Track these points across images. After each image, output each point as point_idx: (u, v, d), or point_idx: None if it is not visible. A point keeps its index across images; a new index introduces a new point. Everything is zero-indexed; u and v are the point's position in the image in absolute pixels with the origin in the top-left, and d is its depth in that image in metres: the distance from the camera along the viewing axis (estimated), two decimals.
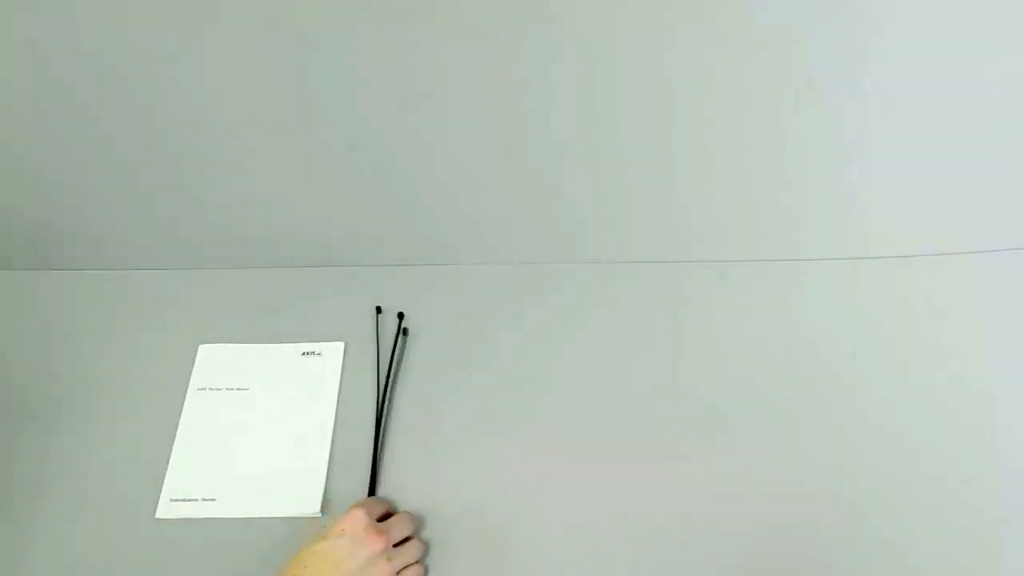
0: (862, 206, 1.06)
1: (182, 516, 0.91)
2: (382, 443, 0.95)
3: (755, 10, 0.93)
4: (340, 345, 1.03)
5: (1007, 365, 0.97)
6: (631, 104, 0.98)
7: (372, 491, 0.92)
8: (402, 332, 1.03)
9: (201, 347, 1.03)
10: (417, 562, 0.86)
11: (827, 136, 1.02)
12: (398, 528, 0.86)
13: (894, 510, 0.88)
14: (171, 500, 0.92)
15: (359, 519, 0.83)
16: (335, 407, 0.99)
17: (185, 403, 0.99)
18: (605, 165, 1.00)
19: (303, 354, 1.02)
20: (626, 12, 0.94)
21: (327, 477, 0.93)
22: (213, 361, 1.02)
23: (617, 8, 0.93)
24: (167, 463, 0.94)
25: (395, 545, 0.85)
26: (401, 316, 1.04)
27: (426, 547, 0.88)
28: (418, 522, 0.90)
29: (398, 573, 0.84)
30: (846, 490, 0.89)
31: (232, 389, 1.00)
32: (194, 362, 1.02)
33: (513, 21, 0.89)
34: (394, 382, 1.00)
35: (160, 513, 0.91)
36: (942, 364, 0.98)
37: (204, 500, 0.92)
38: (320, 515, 0.91)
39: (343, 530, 0.83)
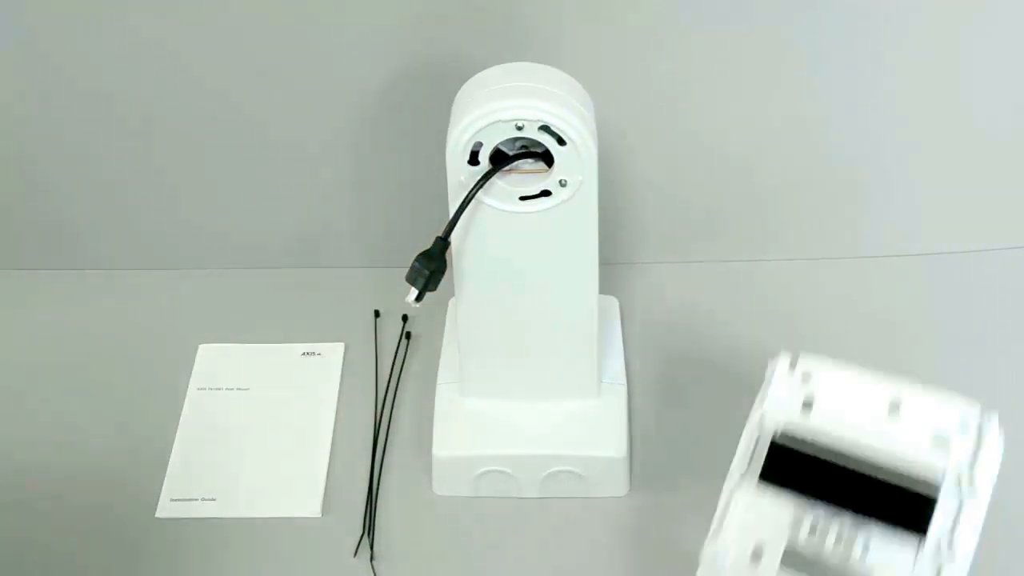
0: (862, 206, 1.06)
1: (182, 516, 0.91)
2: (382, 444, 0.95)
3: (770, 15, 0.94)
4: (340, 346, 1.03)
5: (1007, 365, 0.98)
6: (631, 105, 0.99)
7: (372, 491, 0.92)
8: (405, 336, 1.03)
9: (201, 347, 1.03)
10: None
11: (829, 136, 1.02)
12: None
13: None
14: (171, 500, 0.92)
15: None
16: (335, 407, 0.99)
17: (185, 403, 0.99)
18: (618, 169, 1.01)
19: (303, 354, 1.02)
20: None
21: (327, 477, 0.93)
22: (213, 361, 1.02)
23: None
24: (167, 463, 0.94)
25: None
26: (405, 319, 1.04)
27: None
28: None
29: None
30: None
31: (232, 389, 1.00)
32: (194, 362, 1.02)
33: None
34: (397, 383, 1.00)
35: (160, 513, 0.91)
36: (942, 364, 0.98)
37: (204, 500, 0.92)
38: (320, 515, 0.91)
39: None
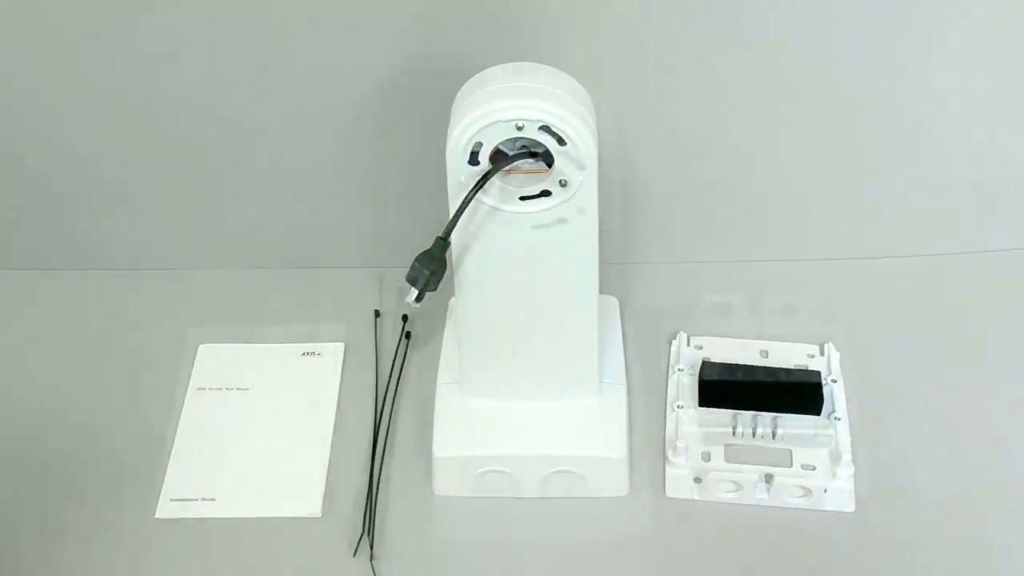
0: (862, 206, 1.06)
1: (182, 516, 0.91)
2: (382, 444, 0.95)
3: (769, 15, 0.94)
4: (340, 346, 1.03)
5: (1007, 366, 0.98)
6: (631, 105, 0.99)
7: (372, 491, 0.92)
8: (405, 336, 1.03)
9: (201, 347, 1.03)
10: None
11: (829, 137, 1.02)
12: None
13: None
14: (171, 500, 0.92)
15: None
16: (335, 407, 0.99)
17: (185, 403, 0.99)
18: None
19: (303, 354, 1.02)
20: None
21: (327, 477, 0.93)
22: (213, 361, 1.02)
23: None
24: (167, 463, 0.94)
25: None
26: (405, 319, 1.04)
27: None
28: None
29: None
30: None
31: (232, 389, 1.00)
32: (194, 362, 1.02)
33: None
34: (397, 383, 1.00)
35: (160, 513, 0.91)
36: (942, 364, 0.98)
37: (204, 500, 0.92)
38: (320, 515, 0.91)
39: None
